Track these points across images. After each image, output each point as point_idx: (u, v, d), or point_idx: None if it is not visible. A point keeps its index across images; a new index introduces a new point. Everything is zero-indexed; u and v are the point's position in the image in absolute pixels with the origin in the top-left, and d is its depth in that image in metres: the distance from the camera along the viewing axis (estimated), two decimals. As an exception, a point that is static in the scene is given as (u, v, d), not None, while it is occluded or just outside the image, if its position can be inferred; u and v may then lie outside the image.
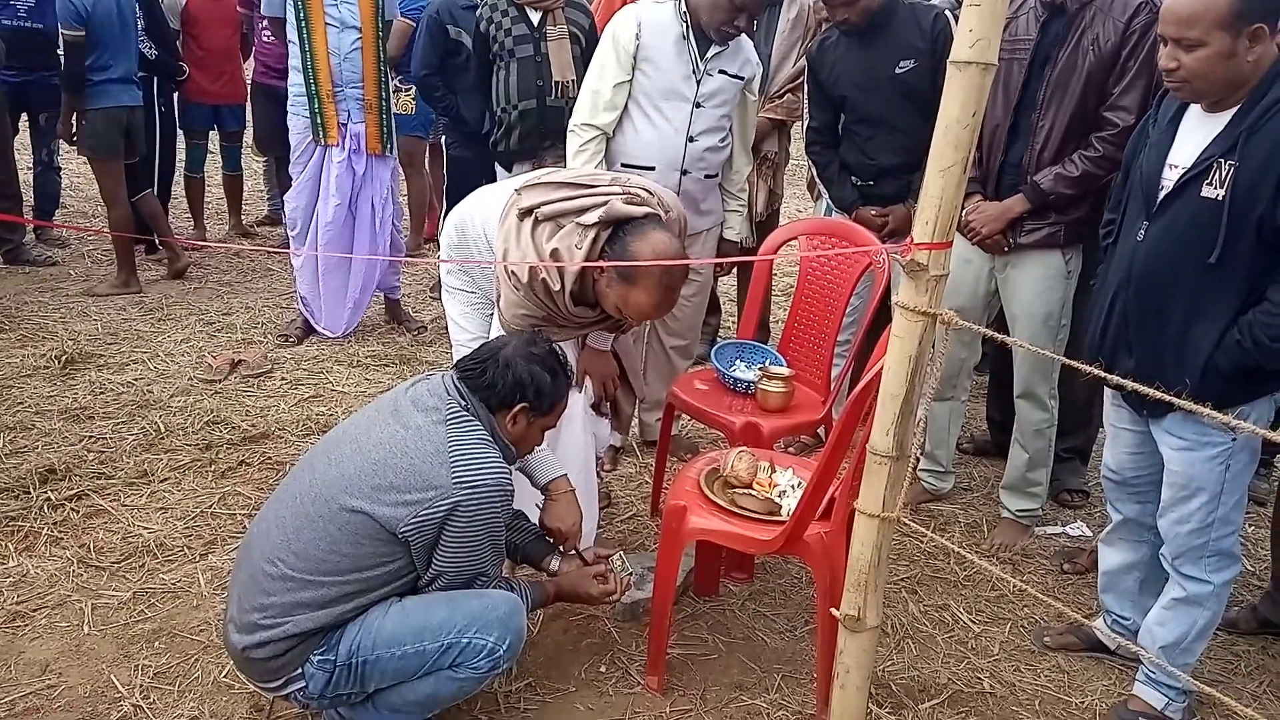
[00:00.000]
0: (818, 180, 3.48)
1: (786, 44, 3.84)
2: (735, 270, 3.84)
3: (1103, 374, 1.52)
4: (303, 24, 3.96)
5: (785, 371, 2.91)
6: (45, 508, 2.99)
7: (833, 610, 2.06)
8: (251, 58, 5.88)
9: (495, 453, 2.02)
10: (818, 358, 3.05)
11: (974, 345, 3.15)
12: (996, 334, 1.86)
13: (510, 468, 2.07)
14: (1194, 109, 2.09)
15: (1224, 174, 1.97)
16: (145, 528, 2.92)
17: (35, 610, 2.54)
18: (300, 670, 1.98)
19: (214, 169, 6.24)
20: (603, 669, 2.45)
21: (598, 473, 3.34)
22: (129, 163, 4.94)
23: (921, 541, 3.10)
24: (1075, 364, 1.63)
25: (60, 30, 4.58)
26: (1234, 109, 1.99)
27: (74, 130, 4.74)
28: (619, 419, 2.90)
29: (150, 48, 5.08)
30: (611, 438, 3.26)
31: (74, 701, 2.24)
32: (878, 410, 1.96)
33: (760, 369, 2.94)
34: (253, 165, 7.20)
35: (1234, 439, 2.11)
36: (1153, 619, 2.33)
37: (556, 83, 3.79)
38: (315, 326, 4.51)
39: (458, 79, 4.29)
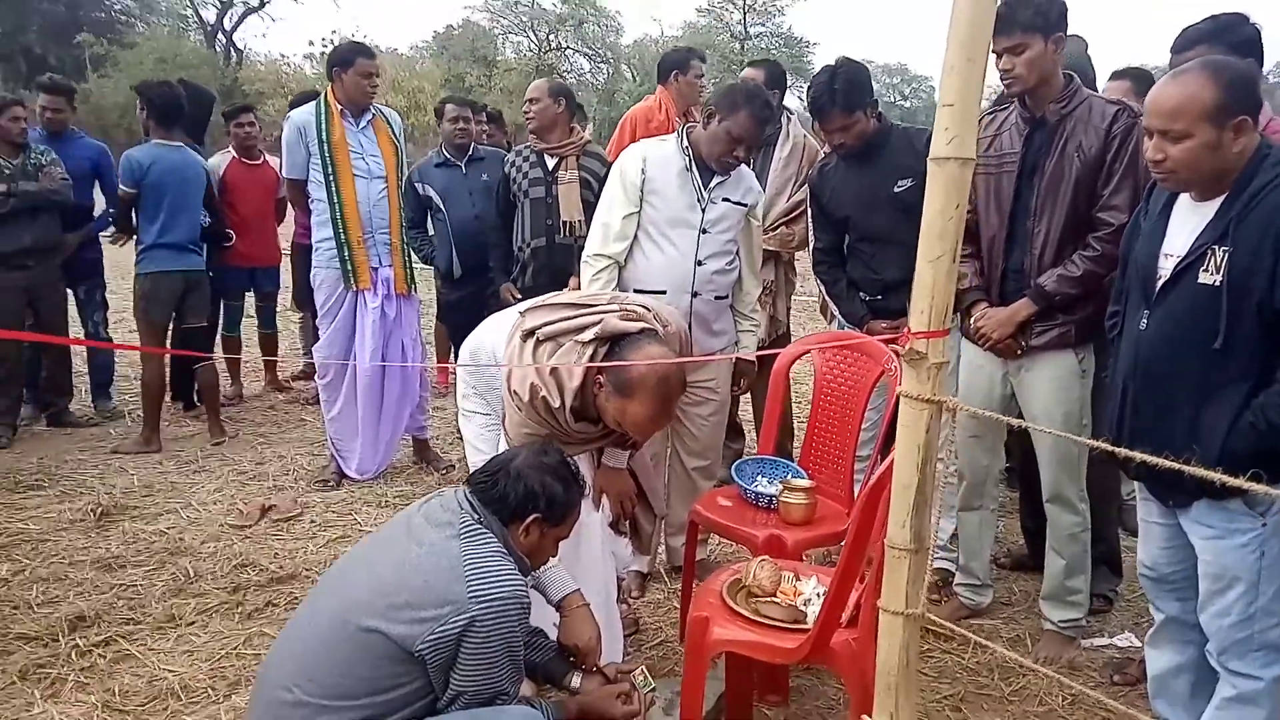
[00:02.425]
0: (827, 297, 3.55)
1: (780, 179, 4.00)
2: (753, 391, 3.88)
3: (1121, 451, 1.51)
4: (331, 179, 4.20)
5: (807, 483, 2.90)
6: (73, 654, 2.98)
7: (865, 718, 1.99)
8: (290, 219, 6.19)
9: (510, 565, 2.02)
10: (839, 469, 3.04)
11: (997, 450, 3.13)
12: (1011, 420, 1.86)
13: (526, 580, 2.06)
14: (1183, 199, 2.15)
15: (1219, 260, 2.00)
16: (170, 670, 2.90)
17: (58, 758, 2.51)
18: (318, 800, 1.93)
19: (249, 328, 6.47)
20: (632, 798, 2.35)
21: (625, 600, 3.30)
22: (193, 328, 5.15)
23: (964, 659, 3.00)
24: (1096, 443, 1.63)
25: (120, 188, 4.92)
26: (1222, 197, 2.04)
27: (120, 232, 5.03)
28: (639, 538, 2.89)
29: (204, 215, 5.35)
30: (634, 560, 3.24)
31: None
32: (892, 503, 1.95)
33: (782, 483, 2.93)
34: (289, 326, 7.45)
35: (1264, 524, 2.06)
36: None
37: (564, 222, 4.01)
38: (347, 471, 4.57)
39: (437, 229, 4.87)
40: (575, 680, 2.29)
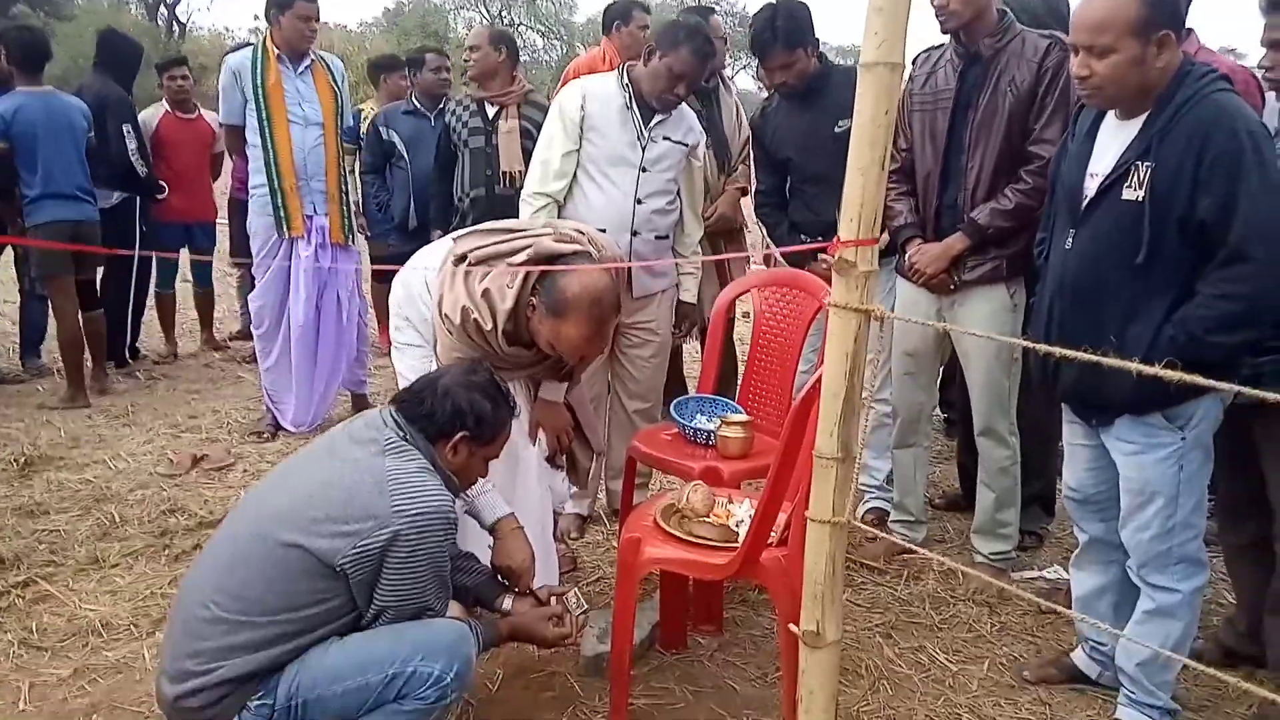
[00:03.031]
0: (768, 240, 3.55)
1: (734, 122, 3.98)
2: (699, 337, 3.87)
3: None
4: (265, 124, 4.10)
5: (744, 418, 2.90)
6: (-10, 596, 2.89)
7: (791, 626, 2.00)
8: (226, 175, 6.05)
9: (436, 481, 1.99)
10: (777, 407, 3.04)
11: (930, 389, 3.16)
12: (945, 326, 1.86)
13: (452, 498, 2.03)
14: (1109, 119, 2.17)
15: (1142, 175, 2.03)
16: (92, 609, 2.83)
17: (-31, 693, 2.43)
18: (237, 718, 1.89)
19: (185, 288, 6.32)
20: (564, 721, 2.34)
21: (563, 540, 3.29)
22: (84, 280, 4.98)
23: (896, 590, 3.04)
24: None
25: None
26: (1145, 114, 2.07)
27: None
28: (576, 473, 2.87)
29: (142, 164, 5.19)
30: (571, 496, 3.21)
31: (3, 778, 2.12)
32: (820, 412, 1.95)
33: (720, 418, 2.93)
34: (226, 274, 7.29)
35: (1183, 438, 2.11)
36: (1127, 635, 2.27)
37: (504, 172, 3.93)
38: (282, 423, 4.48)
39: (394, 177, 4.78)
40: (507, 602, 2.26)
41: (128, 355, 5.65)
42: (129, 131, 5.10)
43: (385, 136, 4.72)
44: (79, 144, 4.81)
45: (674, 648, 2.68)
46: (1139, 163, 2.03)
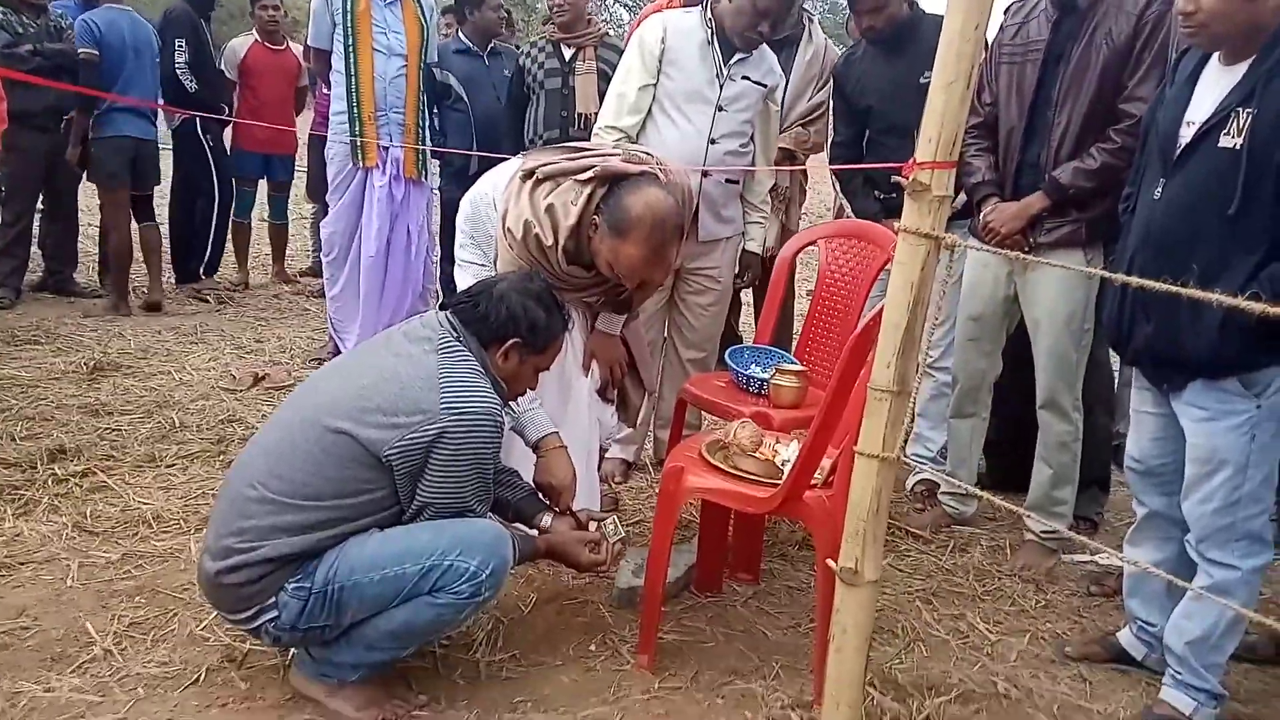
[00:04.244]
0: (841, 194, 3.47)
1: (802, 81, 3.89)
2: (754, 286, 3.81)
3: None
4: (350, 49, 4.13)
5: (799, 368, 2.85)
6: (50, 481, 2.98)
7: (829, 562, 1.96)
8: (309, 110, 6.13)
9: (486, 383, 1.98)
10: (835, 360, 2.97)
11: (994, 357, 3.05)
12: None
13: (501, 402, 2.02)
14: (1211, 65, 2.06)
15: (1242, 122, 1.92)
16: (145, 503, 2.90)
17: (21, 564, 2.51)
18: (274, 599, 1.91)
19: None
20: (592, 648, 2.33)
21: (608, 481, 3.27)
22: (141, 194, 5.14)
23: (940, 560, 2.96)
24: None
25: (78, 50, 4.83)
26: (1251, 59, 1.95)
27: (81, 155, 4.96)
28: (626, 410, 2.85)
29: (191, 80, 5.27)
30: (617, 442, 3.19)
31: (45, 643, 2.18)
32: (879, 343, 1.90)
33: (775, 367, 2.88)
34: (301, 215, 7.41)
35: (1258, 406, 2.00)
36: (1179, 613, 2.18)
37: (580, 114, 3.90)
38: (344, 350, 4.53)
39: (447, 119, 4.70)
40: (546, 519, 2.26)
41: (202, 271, 5.77)
42: (180, 45, 5.21)
43: (440, 76, 4.65)
44: (155, 63, 5.03)
45: (709, 591, 2.64)
46: (1240, 109, 1.92)
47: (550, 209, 2.32)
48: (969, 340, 3.03)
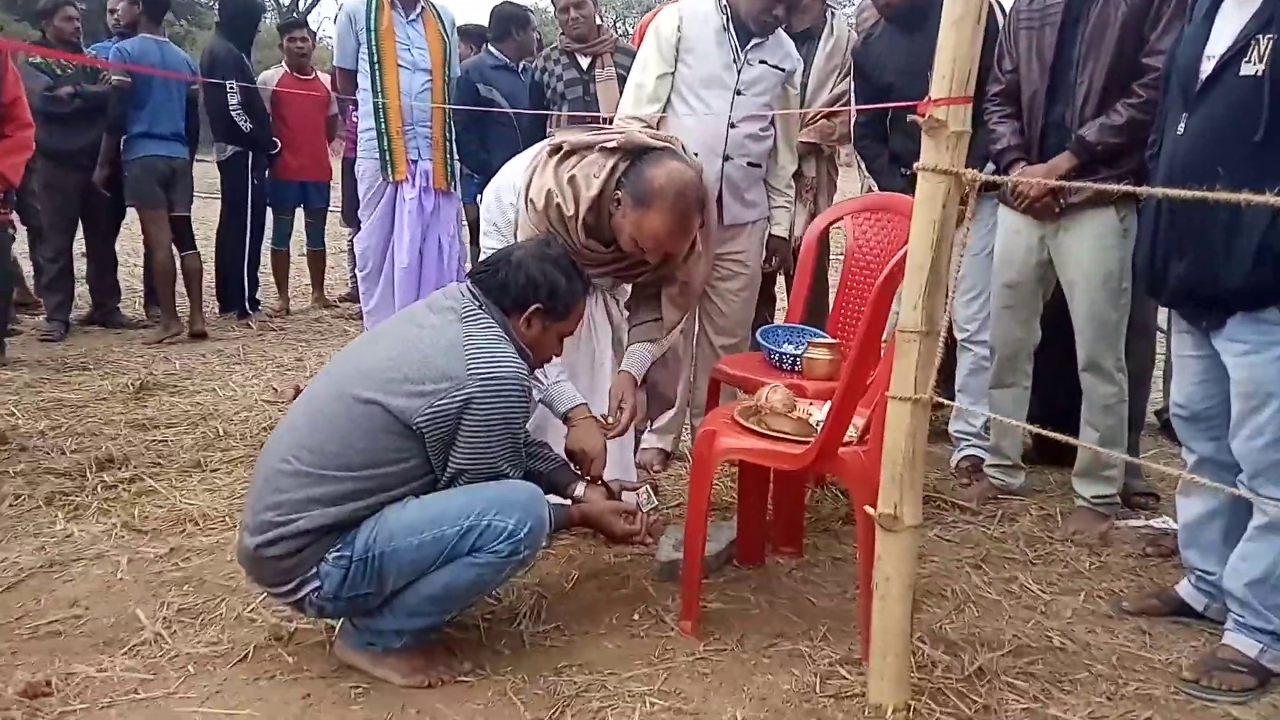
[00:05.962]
0: (867, 173, 3.46)
1: (823, 73, 3.91)
2: (784, 271, 3.80)
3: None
4: (376, 67, 4.22)
5: (831, 341, 2.83)
6: (99, 488, 3.04)
7: (868, 509, 1.94)
8: (339, 139, 6.27)
9: (510, 349, 2.00)
10: (867, 334, 2.96)
11: (1031, 325, 3.01)
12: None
13: (526, 367, 2.03)
14: (1228, 1, 2.04)
15: (1263, 49, 1.90)
16: (190, 504, 2.94)
17: (73, 561, 2.56)
18: (315, 570, 1.93)
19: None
20: (635, 617, 2.32)
21: (647, 469, 3.27)
22: (177, 218, 5.28)
23: (989, 529, 2.91)
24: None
25: (112, 80, 5.00)
26: (1269, -12, 1.93)
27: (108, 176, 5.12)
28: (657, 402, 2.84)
29: (245, 120, 5.44)
30: (654, 431, 3.18)
31: (97, 630, 2.21)
32: (905, 284, 1.89)
33: (808, 342, 2.87)
34: (340, 242, 7.53)
35: (1302, 335, 1.96)
36: (1236, 555, 2.12)
37: (606, 119, 3.94)
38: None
39: (491, 134, 4.71)
40: (579, 489, 2.26)
41: (248, 307, 5.89)
42: (232, 87, 5.37)
43: (485, 93, 4.77)
44: (184, 93, 5.21)
45: (751, 563, 2.62)
46: (1260, 36, 1.90)
47: (573, 180, 2.35)
48: (1005, 308, 3.00)
